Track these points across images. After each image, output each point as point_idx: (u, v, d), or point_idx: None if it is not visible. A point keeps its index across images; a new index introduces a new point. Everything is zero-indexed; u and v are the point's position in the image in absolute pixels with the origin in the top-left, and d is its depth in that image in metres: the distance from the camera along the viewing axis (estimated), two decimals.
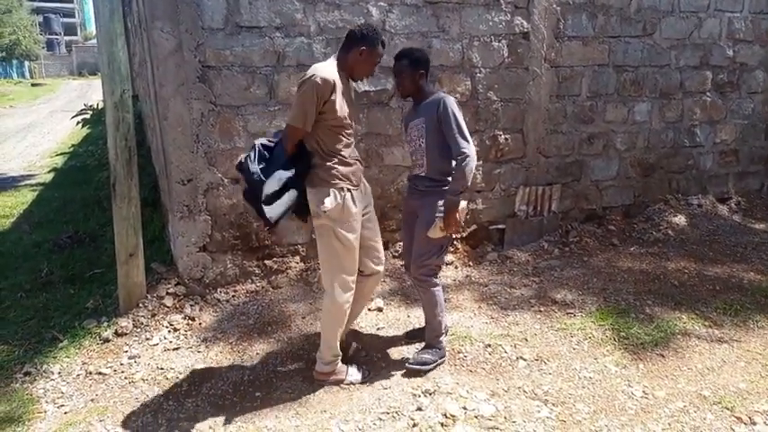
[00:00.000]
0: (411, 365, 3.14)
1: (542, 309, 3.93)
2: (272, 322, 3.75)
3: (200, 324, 3.72)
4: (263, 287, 4.16)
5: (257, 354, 3.37)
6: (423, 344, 3.31)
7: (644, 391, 2.97)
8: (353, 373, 3.08)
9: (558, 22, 4.80)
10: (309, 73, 2.70)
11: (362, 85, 4.28)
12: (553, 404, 2.87)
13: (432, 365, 3.16)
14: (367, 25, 2.91)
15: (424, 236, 3.06)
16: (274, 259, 4.27)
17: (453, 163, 3.02)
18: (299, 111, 2.72)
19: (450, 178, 3.06)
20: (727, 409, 2.81)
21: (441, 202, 3.02)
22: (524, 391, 2.98)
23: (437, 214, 3.03)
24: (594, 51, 5.01)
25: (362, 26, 2.89)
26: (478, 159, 3.93)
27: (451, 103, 3.03)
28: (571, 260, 4.73)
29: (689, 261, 4.68)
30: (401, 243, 4.63)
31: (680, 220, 5.35)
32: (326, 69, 2.76)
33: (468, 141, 2.97)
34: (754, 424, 2.69)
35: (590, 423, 2.72)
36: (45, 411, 2.89)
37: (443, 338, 3.27)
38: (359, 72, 2.92)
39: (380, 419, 2.76)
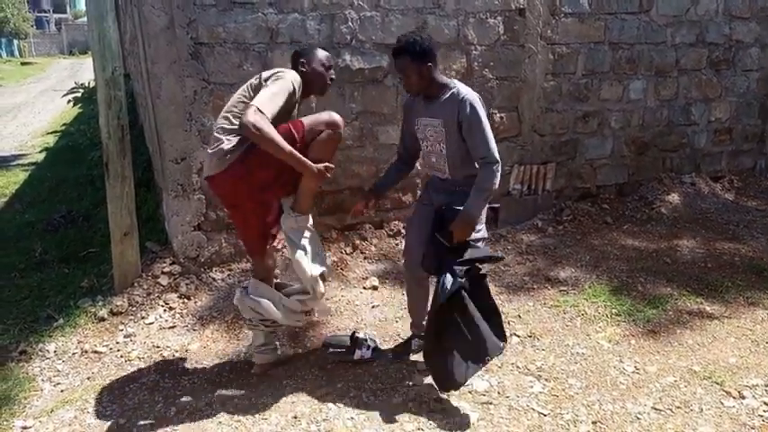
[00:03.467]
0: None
1: (536, 286, 3.95)
2: None
3: (195, 303, 3.73)
4: None
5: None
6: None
7: (635, 367, 3.01)
8: (360, 353, 3.07)
9: None
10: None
11: (357, 63, 4.25)
12: (546, 379, 2.91)
13: None
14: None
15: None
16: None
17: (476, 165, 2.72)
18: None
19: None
20: (717, 383, 2.85)
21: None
22: (517, 367, 3.02)
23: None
24: (590, 28, 4.97)
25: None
26: None
27: (477, 103, 2.66)
28: (565, 238, 4.75)
29: (682, 239, 4.71)
30: (395, 223, 4.65)
31: (673, 198, 5.37)
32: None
33: (495, 146, 2.67)
34: (743, 398, 2.73)
35: (582, 398, 2.76)
36: (41, 390, 2.91)
37: None
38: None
39: (375, 395, 2.80)
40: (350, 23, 4.18)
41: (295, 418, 2.63)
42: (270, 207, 2.85)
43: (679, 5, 5.28)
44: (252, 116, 2.45)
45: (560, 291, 3.88)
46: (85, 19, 4.47)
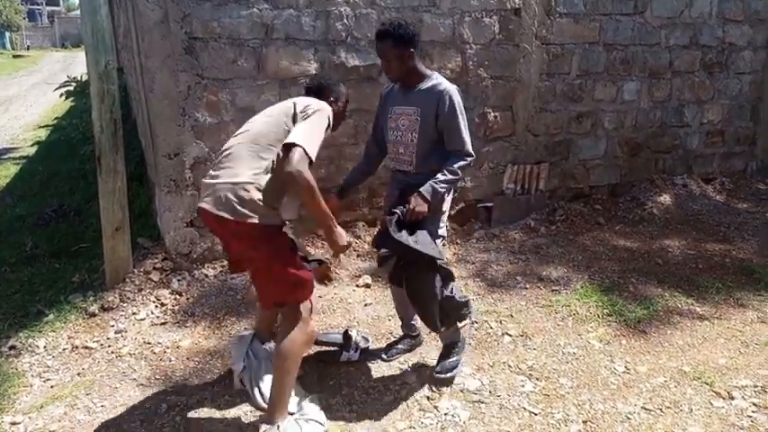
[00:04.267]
0: (439, 375, 2.86)
1: (528, 286, 3.96)
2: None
3: (187, 299, 3.71)
4: None
5: (244, 329, 3.38)
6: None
7: (626, 367, 3.02)
8: (352, 351, 3.07)
9: None
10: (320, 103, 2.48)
11: (352, 60, 4.24)
12: (537, 379, 2.92)
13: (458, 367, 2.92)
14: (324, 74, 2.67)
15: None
16: None
17: (445, 159, 2.67)
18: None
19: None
20: (707, 384, 2.87)
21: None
22: (509, 366, 3.02)
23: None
24: (585, 29, 4.99)
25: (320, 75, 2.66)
26: None
27: (456, 95, 2.66)
28: (557, 238, 4.77)
29: (673, 240, 4.74)
30: None
31: (665, 199, 5.40)
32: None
33: (470, 141, 2.67)
34: (733, 399, 2.75)
35: (573, 397, 2.77)
36: (31, 385, 2.88)
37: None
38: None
39: (367, 393, 2.79)
40: (345, 20, 4.17)
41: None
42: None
43: (673, 8, 5.31)
44: (299, 163, 2.20)
45: (552, 290, 3.89)
46: (78, 12, 4.43)
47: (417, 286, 2.72)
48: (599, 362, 3.07)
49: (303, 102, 2.46)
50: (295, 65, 4.11)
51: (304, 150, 2.22)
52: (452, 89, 2.65)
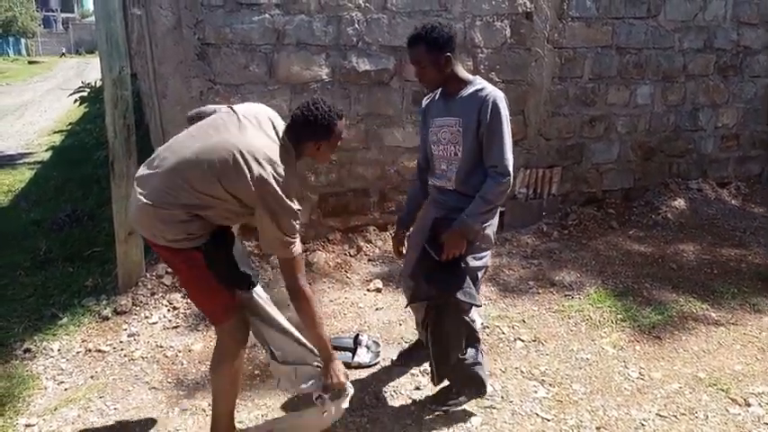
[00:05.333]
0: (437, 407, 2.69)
1: (540, 291, 3.94)
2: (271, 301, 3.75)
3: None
4: (261, 267, 4.16)
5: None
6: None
7: (640, 373, 2.99)
8: (362, 354, 3.07)
9: (561, 3, 4.74)
10: (269, 170, 2.02)
11: (363, 65, 4.25)
12: (550, 384, 2.89)
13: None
14: (318, 107, 2.14)
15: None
16: None
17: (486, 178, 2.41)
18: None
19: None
20: (723, 390, 2.83)
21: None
22: (521, 372, 3.00)
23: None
24: (598, 33, 4.96)
25: (312, 109, 2.13)
26: None
27: (502, 101, 2.38)
28: (570, 243, 4.74)
29: (687, 245, 4.69)
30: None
31: (679, 203, 5.35)
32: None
33: (511, 157, 2.37)
34: (749, 406, 2.71)
35: (586, 403, 2.74)
36: (45, 388, 2.91)
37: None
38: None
39: (378, 398, 2.79)
40: (356, 25, 4.18)
41: None
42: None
43: (687, 11, 5.26)
44: (301, 280, 2.11)
45: (565, 295, 3.86)
46: (93, 18, 4.47)
47: (444, 329, 2.48)
48: (612, 368, 3.04)
49: (258, 178, 2.00)
50: (306, 70, 4.12)
51: (298, 260, 2.11)
52: (498, 95, 2.38)
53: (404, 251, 2.83)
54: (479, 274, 2.57)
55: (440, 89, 2.56)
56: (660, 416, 2.65)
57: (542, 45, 4.77)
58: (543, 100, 4.89)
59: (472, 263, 2.47)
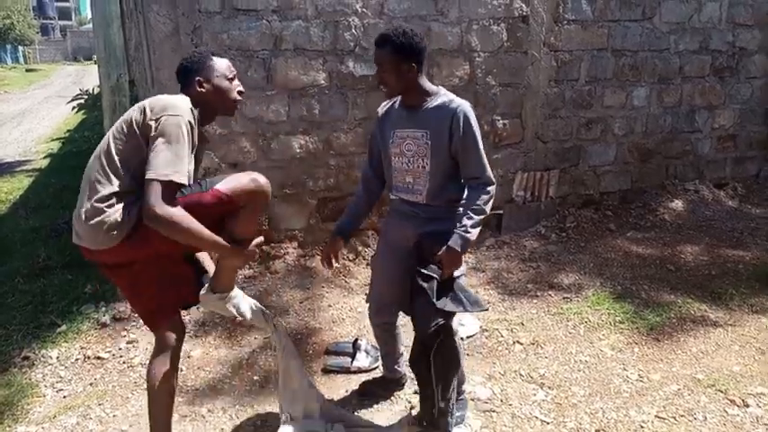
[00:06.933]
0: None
1: (539, 293, 3.94)
2: (270, 307, 3.74)
3: (197, 309, 3.72)
4: (260, 272, 4.16)
5: (254, 338, 3.39)
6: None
7: (639, 375, 2.99)
8: (361, 359, 3.07)
9: (557, 6, 4.77)
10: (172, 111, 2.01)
11: (360, 70, 4.26)
12: (549, 387, 2.89)
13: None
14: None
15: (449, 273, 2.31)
16: (272, 245, 4.27)
17: (464, 190, 2.35)
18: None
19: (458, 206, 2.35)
20: (721, 391, 2.83)
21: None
22: (520, 375, 3.00)
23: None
24: (593, 35, 4.98)
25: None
26: None
27: (471, 112, 2.31)
28: (568, 245, 4.74)
29: (685, 246, 4.70)
30: None
31: (677, 205, 5.36)
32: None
33: (488, 166, 2.33)
34: (747, 406, 2.72)
35: (585, 406, 2.74)
36: (44, 396, 2.90)
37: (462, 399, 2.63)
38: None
39: (378, 402, 2.79)
40: (353, 30, 4.20)
41: None
42: (183, 278, 2.33)
43: (682, 13, 5.29)
44: (161, 207, 1.91)
45: (564, 298, 3.87)
46: (90, 26, 4.49)
47: (448, 355, 2.34)
48: (611, 370, 3.05)
49: (151, 105, 2.05)
50: (304, 75, 4.14)
51: (163, 187, 1.92)
52: (466, 106, 2.30)
53: (334, 263, 2.62)
54: (463, 280, 2.46)
55: (399, 98, 2.42)
56: (659, 417, 2.65)
57: (538, 48, 4.79)
58: (540, 103, 4.90)
59: (457, 273, 2.36)
